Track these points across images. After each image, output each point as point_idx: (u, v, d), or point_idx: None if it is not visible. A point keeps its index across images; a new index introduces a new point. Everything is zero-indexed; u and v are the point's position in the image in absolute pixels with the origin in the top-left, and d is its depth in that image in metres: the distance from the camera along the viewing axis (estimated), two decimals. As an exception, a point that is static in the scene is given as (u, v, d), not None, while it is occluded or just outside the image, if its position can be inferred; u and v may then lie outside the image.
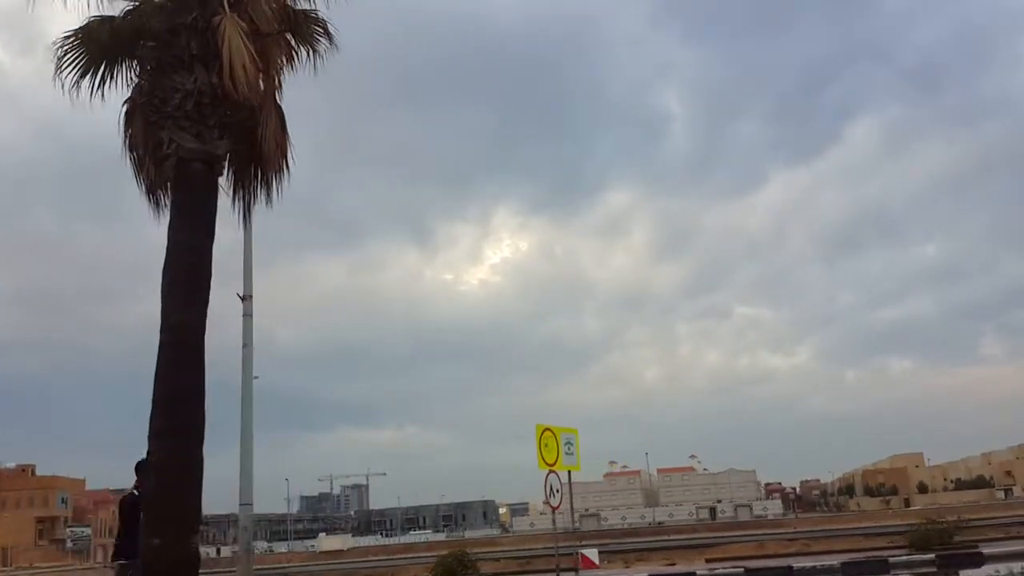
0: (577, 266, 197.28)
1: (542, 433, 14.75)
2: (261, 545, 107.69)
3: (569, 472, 15.43)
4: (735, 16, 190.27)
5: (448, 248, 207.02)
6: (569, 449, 15.42)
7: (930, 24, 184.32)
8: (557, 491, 14.96)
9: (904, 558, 13.61)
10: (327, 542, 70.84)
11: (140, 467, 8.19)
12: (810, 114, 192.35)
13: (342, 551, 66.79)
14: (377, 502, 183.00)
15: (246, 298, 15.05)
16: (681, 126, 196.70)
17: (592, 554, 31.61)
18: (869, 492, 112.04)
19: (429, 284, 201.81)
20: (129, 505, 8.24)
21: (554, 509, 15.12)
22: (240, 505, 14.61)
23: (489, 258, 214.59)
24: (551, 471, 14.82)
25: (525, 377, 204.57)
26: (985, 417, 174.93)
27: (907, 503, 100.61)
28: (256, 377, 41.06)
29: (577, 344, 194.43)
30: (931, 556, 13.24)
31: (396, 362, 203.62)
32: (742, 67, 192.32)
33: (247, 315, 14.97)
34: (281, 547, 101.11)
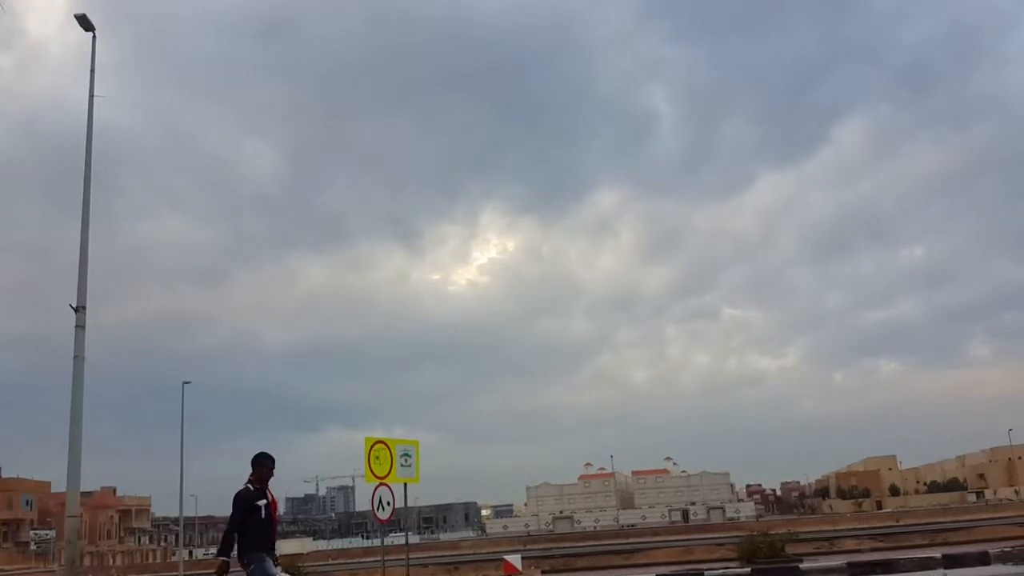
0: (565, 267, 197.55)
1: (372, 446, 14.70)
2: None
3: (405, 485, 15.39)
4: (722, 15, 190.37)
5: (435, 248, 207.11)
6: (407, 461, 15.38)
7: (919, 24, 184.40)
8: (388, 504, 14.90)
9: (720, 571, 13.63)
10: (286, 545, 70.69)
11: (256, 460, 8.19)
12: (799, 114, 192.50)
13: (301, 555, 66.75)
14: (364, 503, 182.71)
15: (79, 309, 14.93)
16: (669, 126, 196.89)
17: (515, 560, 31.68)
18: (841, 494, 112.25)
19: (417, 284, 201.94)
20: (244, 499, 8.03)
21: (382, 522, 15.05)
22: (67, 518, 14.50)
23: (477, 258, 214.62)
24: (381, 484, 14.77)
25: (515, 378, 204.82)
26: (972, 419, 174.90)
27: (879, 505, 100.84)
28: (188, 382, 40.72)
29: (567, 345, 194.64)
30: (748, 570, 13.26)
31: (385, 363, 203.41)
32: (730, 67, 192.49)
33: (79, 327, 14.84)
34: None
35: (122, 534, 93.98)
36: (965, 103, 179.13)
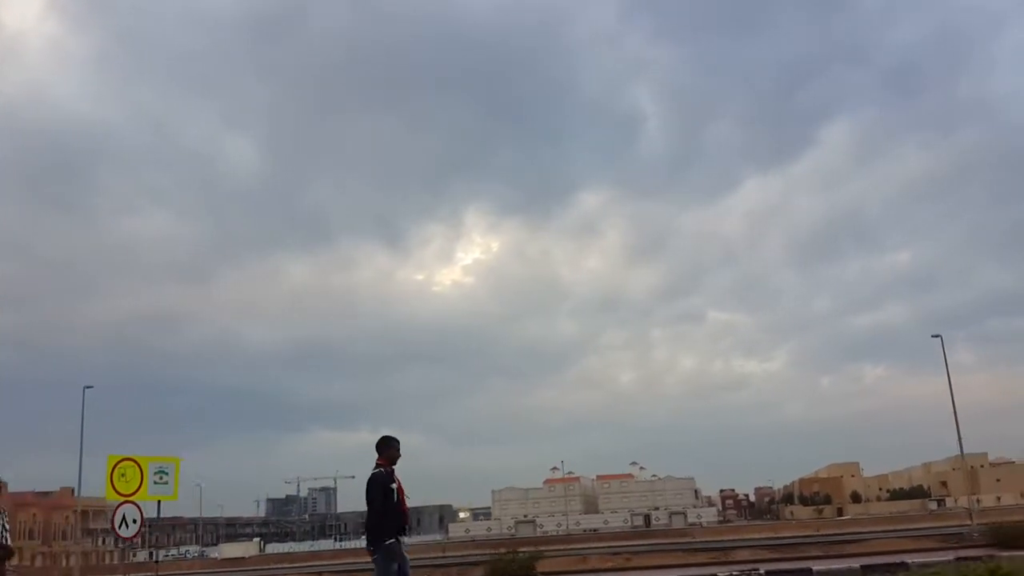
0: (551, 268, 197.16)
1: (116, 464, 14.67)
2: (194, 550, 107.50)
3: (159, 502, 15.37)
4: (708, 15, 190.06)
5: (419, 248, 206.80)
6: (162, 479, 15.30)
7: (906, 26, 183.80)
8: (134, 521, 14.87)
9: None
10: (229, 549, 70.58)
11: (384, 443, 8.21)
12: (785, 116, 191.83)
13: (243, 559, 66.67)
14: (347, 505, 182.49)
15: None
16: (655, 127, 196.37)
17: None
18: (803, 501, 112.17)
19: (401, 285, 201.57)
20: (381, 482, 8.04)
21: (127, 540, 15.02)
22: None
23: (461, 259, 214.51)
24: (126, 501, 14.74)
25: (502, 380, 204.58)
26: (954, 426, 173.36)
27: (840, 512, 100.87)
28: (89, 387, 40.51)
29: (553, 347, 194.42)
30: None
31: (370, 363, 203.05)
32: (716, 67, 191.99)
33: None
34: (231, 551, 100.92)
35: (79, 535, 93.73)
36: (952, 107, 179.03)
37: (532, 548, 21.94)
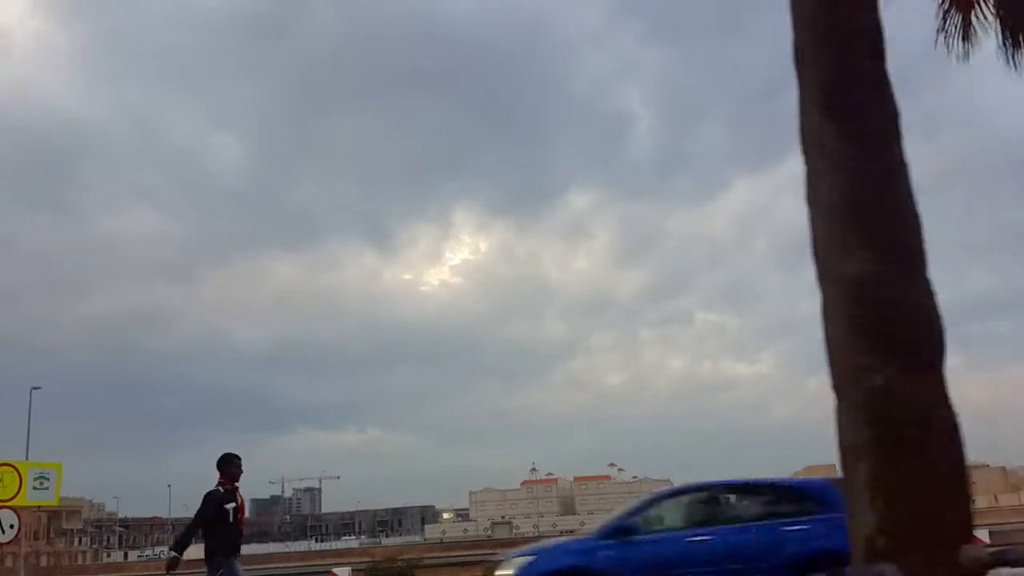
0: (539, 268, 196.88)
1: (-7, 468, 14.58)
2: (163, 551, 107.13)
3: (38, 506, 15.29)
4: (699, 16, 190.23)
5: (407, 248, 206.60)
6: (43, 484, 15.20)
7: (895, 28, 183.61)
8: (12, 526, 14.77)
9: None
10: (195, 550, 70.11)
11: (225, 460, 8.26)
12: (774, 118, 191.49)
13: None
14: (331, 506, 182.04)
15: None
16: (644, 128, 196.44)
17: (343, 573, 31.50)
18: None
19: (389, 284, 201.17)
20: (215, 500, 8.01)
21: (2, 546, 14.94)
22: None
23: (449, 259, 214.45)
24: (3, 507, 14.65)
25: (489, 380, 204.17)
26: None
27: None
28: (37, 387, 40.38)
29: (540, 348, 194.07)
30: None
31: (357, 363, 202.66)
32: (706, 69, 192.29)
33: None
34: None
35: (51, 535, 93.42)
36: (937, 110, 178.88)
37: (405, 558, 21.89)
